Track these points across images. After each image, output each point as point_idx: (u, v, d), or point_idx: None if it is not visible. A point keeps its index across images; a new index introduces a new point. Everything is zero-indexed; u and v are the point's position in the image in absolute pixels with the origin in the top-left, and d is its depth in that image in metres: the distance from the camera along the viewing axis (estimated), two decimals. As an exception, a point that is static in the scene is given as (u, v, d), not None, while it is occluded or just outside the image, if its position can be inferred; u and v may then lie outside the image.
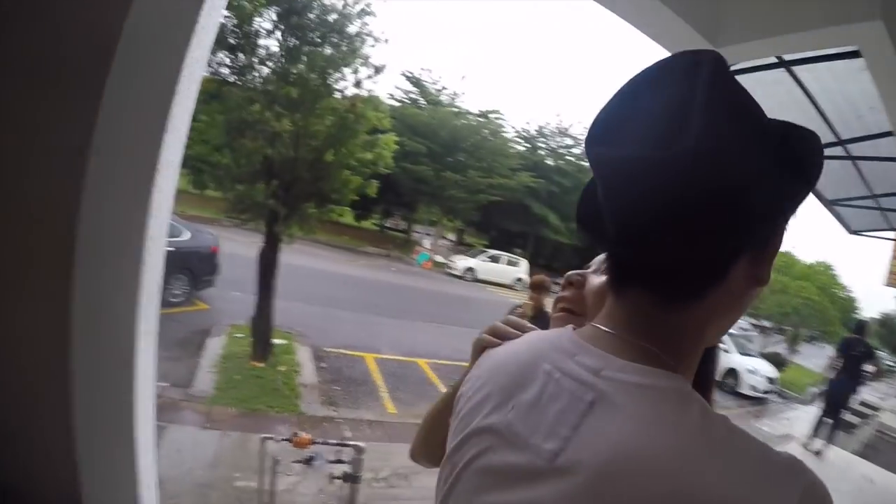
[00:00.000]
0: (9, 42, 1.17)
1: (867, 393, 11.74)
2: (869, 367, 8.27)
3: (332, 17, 6.51)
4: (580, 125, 45.11)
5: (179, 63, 1.26)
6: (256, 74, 6.26)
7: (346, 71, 6.56)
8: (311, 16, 6.42)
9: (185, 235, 8.48)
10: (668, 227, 0.58)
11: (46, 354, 1.26)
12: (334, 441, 3.69)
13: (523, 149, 32.42)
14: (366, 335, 9.88)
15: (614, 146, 0.61)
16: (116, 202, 1.26)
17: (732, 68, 3.89)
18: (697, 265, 0.62)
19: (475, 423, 0.70)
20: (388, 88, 30.04)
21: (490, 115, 30.02)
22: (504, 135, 30.69)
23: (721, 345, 0.94)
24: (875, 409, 12.61)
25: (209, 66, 5.44)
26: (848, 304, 32.44)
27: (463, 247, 31.56)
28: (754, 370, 13.93)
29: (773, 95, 4.17)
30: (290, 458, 3.54)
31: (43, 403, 1.29)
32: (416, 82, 29.55)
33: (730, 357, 14.11)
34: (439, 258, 25.30)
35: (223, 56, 6.06)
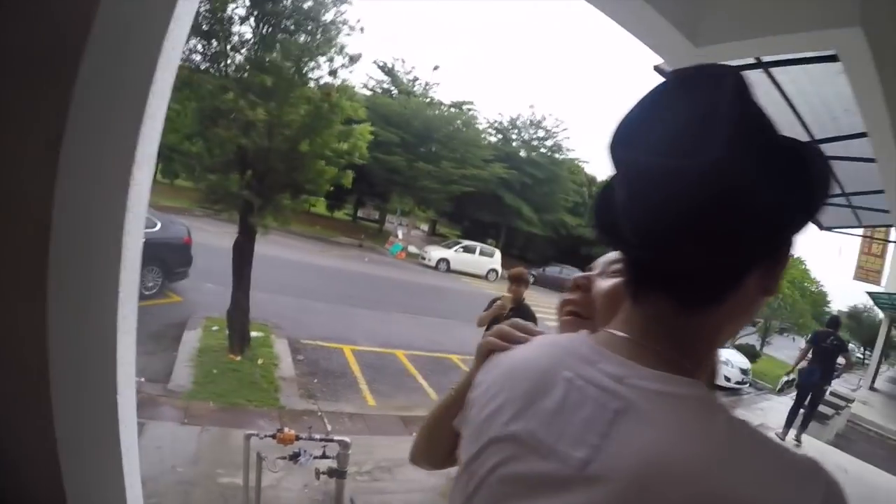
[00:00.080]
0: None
1: (839, 384, 12.12)
2: (840, 360, 8.52)
3: (307, 4, 6.41)
4: (553, 117, 45.54)
5: (156, 51, 1.21)
6: (230, 62, 6.12)
7: (321, 59, 6.48)
8: (286, 2, 6.30)
9: (157, 226, 8.27)
10: (693, 234, 0.59)
11: (23, 353, 1.21)
12: (319, 437, 3.66)
13: (496, 140, 32.68)
14: (342, 327, 9.83)
15: (640, 151, 0.62)
16: (92, 197, 1.21)
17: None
18: (717, 272, 0.64)
19: (494, 432, 0.70)
20: (360, 77, 29.91)
21: (463, 106, 30.20)
22: (477, 126, 30.95)
23: None
24: (847, 400, 13.03)
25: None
26: (819, 298, 33.49)
27: (436, 237, 31.66)
28: (727, 361, 14.16)
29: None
30: (274, 454, 3.49)
31: (21, 404, 1.24)
32: (388, 72, 29.50)
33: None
34: (412, 249, 25.27)
35: (195, 42, 5.90)
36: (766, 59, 3.70)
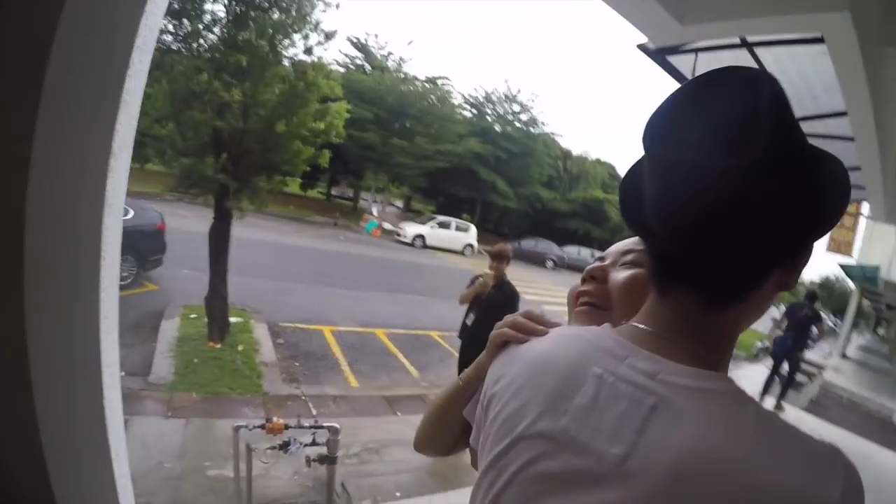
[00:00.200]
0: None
1: (812, 353, 12.47)
2: (814, 330, 8.77)
3: (281, -21, 6.14)
4: (528, 91, 45.32)
5: (132, 33, 1.11)
6: (202, 42, 5.88)
7: (296, 37, 6.27)
8: (260, -23, 6.03)
9: (129, 214, 7.95)
10: (728, 232, 0.61)
11: (1, 363, 1.13)
12: (308, 424, 3.63)
13: (470, 115, 32.58)
14: (320, 307, 9.76)
15: (678, 149, 0.63)
16: (68, 192, 1.11)
17: (695, 46, 3.95)
18: (746, 270, 0.66)
19: (522, 429, 0.70)
20: (333, 54, 29.41)
21: (437, 81, 29.94)
22: (451, 101, 30.74)
23: None
24: (819, 367, 13.44)
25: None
26: (793, 269, 34.44)
27: (411, 214, 31.60)
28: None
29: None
30: (263, 445, 3.43)
31: (3, 415, 1.16)
32: (361, 47, 29.06)
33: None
34: (388, 226, 25.14)
35: (166, 22, 5.57)
36: (750, 39, 3.70)
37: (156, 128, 5.61)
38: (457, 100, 31.90)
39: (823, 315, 10.52)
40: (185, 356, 6.12)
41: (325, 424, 3.63)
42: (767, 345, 9.41)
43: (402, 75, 28.52)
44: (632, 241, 1.00)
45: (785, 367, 8.96)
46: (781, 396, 8.88)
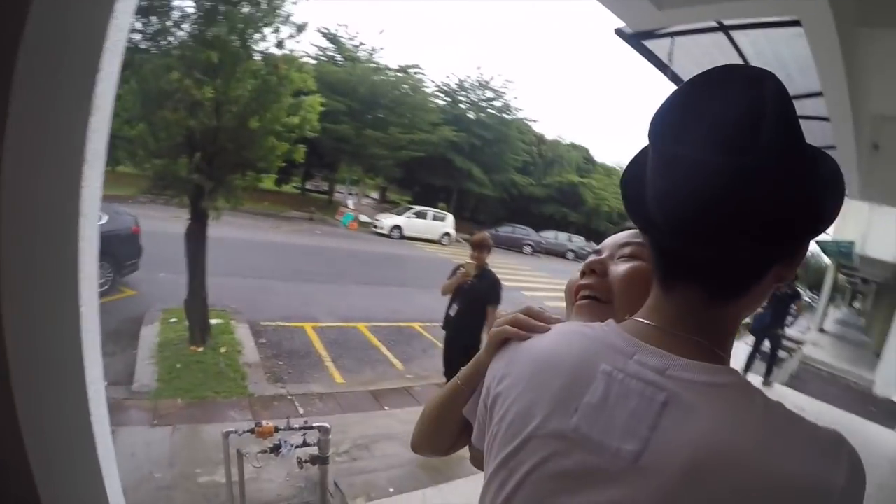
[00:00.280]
0: None
1: (790, 328, 12.74)
2: (793, 307, 8.97)
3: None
4: (501, 78, 45.24)
5: (101, 33, 1.05)
6: (172, 39, 5.71)
7: (267, 31, 6.12)
8: (228, -29, 5.87)
9: (103, 219, 7.74)
10: (735, 229, 0.62)
11: None
12: (298, 426, 3.60)
13: (444, 103, 32.45)
14: (301, 304, 9.68)
15: (682, 145, 0.64)
16: (41, 204, 1.06)
17: (671, 30, 3.95)
18: (750, 265, 0.67)
19: (532, 429, 0.71)
20: (303, 46, 29.04)
21: (409, 70, 29.70)
22: (424, 89, 30.55)
23: None
24: (799, 342, 13.72)
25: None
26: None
27: (387, 204, 31.50)
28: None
29: (709, 56, 4.27)
30: (254, 448, 3.41)
31: None
32: (332, 39, 28.65)
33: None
34: (364, 217, 25.02)
35: (134, 20, 5.41)
36: (727, 22, 3.71)
37: (126, 129, 5.45)
38: (430, 88, 31.78)
39: (801, 290, 10.77)
40: (168, 362, 6.01)
41: (314, 425, 3.60)
42: (748, 320, 9.60)
43: (374, 65, 28.23)
44: (628, 234, 1.00)
45: (766, 344, 9.13)
46: (768, 374, 9.10)
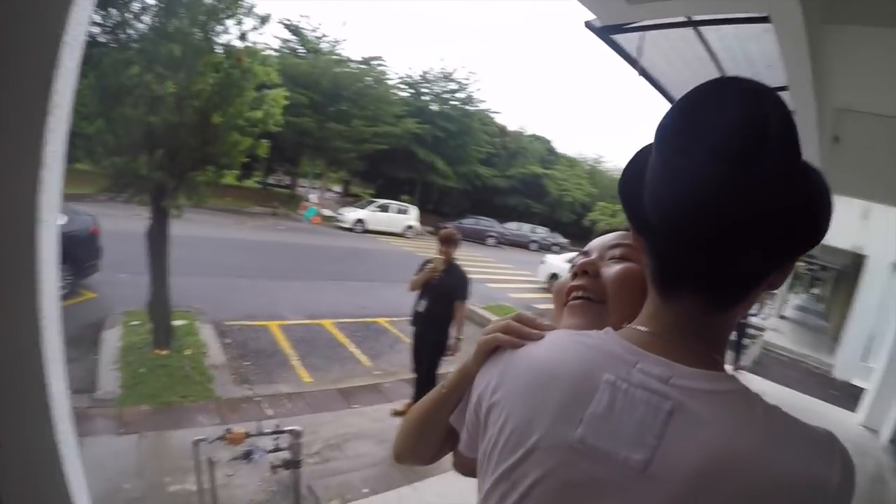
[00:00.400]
0: None
1: (755, 317, 13.13)
2: None
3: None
4: (464, 69, 45.19)
5: (60, 27, 0.99)
6: (132, 32, 5.46)
7: (230, 23, 5.92)
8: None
9: (62, 220, 7.44)
10: (741, 242, 0.64)
11: None
12: (269, 430, 3.56)
13: (407, 95, 32.36)
14: (265, 302, 9.52)
15: (688, 157, 0.64)
16: None
17: (640, 24, 3.98)
18: (752, 276, 0.69)
19: (534, 440, 0.70)
20: (266, 38, 28.56)
21: (372, 62, 29.50)
22: (387, 81, 30.51)
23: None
24: (760, 329, 14.10)
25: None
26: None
27: (350, 198, 31.33)
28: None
29: (678, 51, 4.32)
30: (225, 455, 3.38)
31: None
32: (294, 30, 28.25)
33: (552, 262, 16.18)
34: (327, 212, 24.87)
35: (93, 12, 5.17)
36: (696, 17, 3.75)
37: (84, 126, 5.22)
38: (392, 80, 31.66)
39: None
40: (131, 367, 5.82)
41: (286, 429, 3.59)
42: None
43: (337, 57, 27.92)
44: (616, 236, 1.00)
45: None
46: (737, 362, 9.47)
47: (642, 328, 0.75)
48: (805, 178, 0.69)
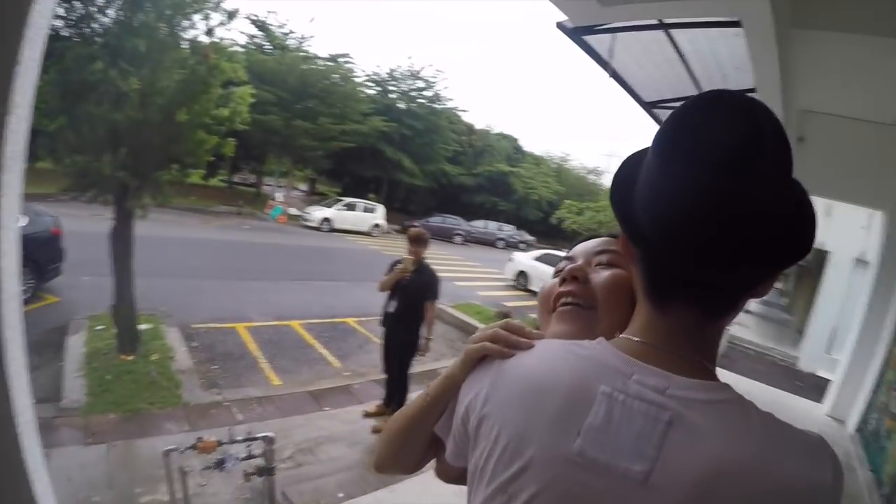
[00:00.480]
0: None
1: None
2: None
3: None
4: (431, 67, 45.15)
5: (21, 23, 0.96)
6: (96, 26, 5.29)
7: (196, 17, 5.80)
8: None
9: (22, 221, 7.16)
10: (740, 251, 0.65)
11: None
12: (241, 437, 3.52)
13: (374, 93, 32.21)
14: (232, 303, 9.36)
15: (685, 165, 0.65)
16: None
17: (611, 26, 4.01)
18: (747, 285, 0.70)
19: (531, 453, 0.70)
20: (232, 34, 28.12)
21: (339, 59, 29.28)
22: (354, 79, 30.24)
23: None
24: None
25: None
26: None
27: (316, 197, 31.06)
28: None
29: (649, 53, 4.37)
30: (197, 463, 3.32)
31: None
32: (261, 26, 27.83)
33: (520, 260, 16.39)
34: (293, 210, 24.59)
35: (56, 5, 4.95)
36: (667, 20, 3.79)
37: (45, 123, 5.04)
38: (360, 77, 31.44)
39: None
40: (97, 373, 5.63)
41: (258, 435, 3.55)
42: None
43: (304, 54, 27.61)
44: (601, 242, 1.00)
45: None
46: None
47: (635, 338, 0.74)
48: (794, 189, 0.71)
